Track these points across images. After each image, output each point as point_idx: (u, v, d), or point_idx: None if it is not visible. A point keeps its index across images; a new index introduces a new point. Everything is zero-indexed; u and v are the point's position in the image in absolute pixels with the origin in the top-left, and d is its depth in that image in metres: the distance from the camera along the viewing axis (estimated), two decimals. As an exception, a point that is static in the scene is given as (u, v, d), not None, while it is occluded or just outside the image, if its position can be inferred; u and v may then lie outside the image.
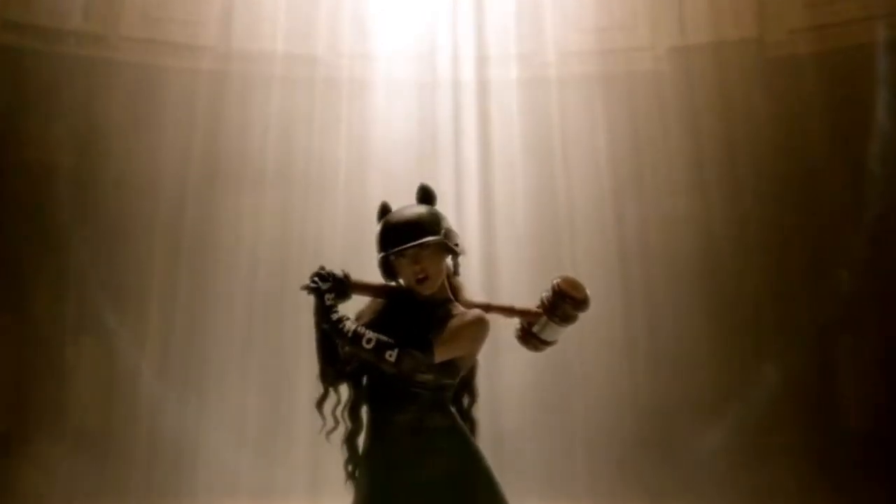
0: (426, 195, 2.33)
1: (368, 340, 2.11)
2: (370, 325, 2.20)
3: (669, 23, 4.48)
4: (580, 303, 2.25)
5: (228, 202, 4.34)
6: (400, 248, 2.21)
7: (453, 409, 2.23)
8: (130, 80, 4.32)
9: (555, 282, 2.29)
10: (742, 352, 4.08)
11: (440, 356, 2.13)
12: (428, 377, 2.15)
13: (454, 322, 2.19)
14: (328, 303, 2.18)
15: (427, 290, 2.23)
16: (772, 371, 4.04)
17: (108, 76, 4.30)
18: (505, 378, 3.73)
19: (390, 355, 2.11)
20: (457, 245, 2.26)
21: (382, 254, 2.25)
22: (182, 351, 4.12)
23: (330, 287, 2.20)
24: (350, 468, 2.25)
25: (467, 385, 2.30)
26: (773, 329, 4.10)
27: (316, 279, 2.19)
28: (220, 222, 4.31)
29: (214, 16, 4.48)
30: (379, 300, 2.31)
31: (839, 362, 4.11)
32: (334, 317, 2.17)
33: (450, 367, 2.17)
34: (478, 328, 2.21)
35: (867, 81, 4.13)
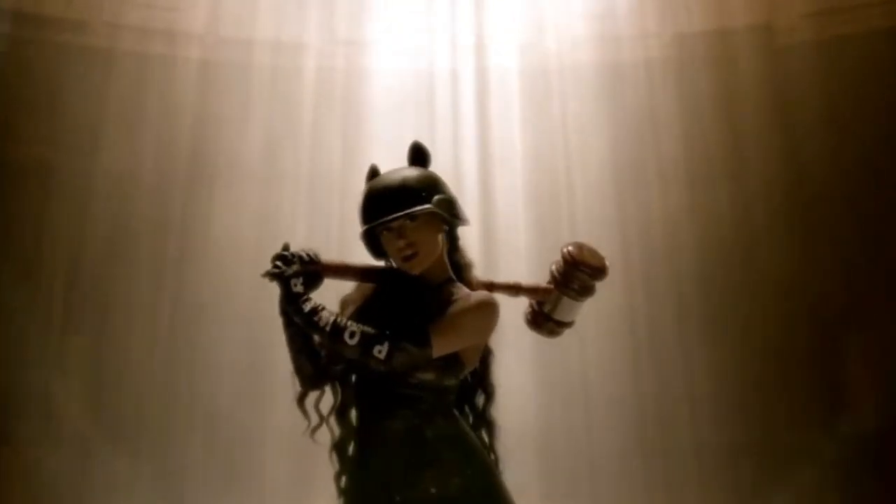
0: (418, 155, 2.04)
1: (352, 334, 1.81)
2: (359, 314, 1.94)
3: (676, 8, 4.44)
4: (598, 270, 2.02)
5: (217, 197, 4.31)
6: (381, 220, 1.92)
7: (458, 414, 1.99)
8: (114, 68, 4.31)
9: (566, 250, 2.04)
10: (745, 350, 4.07)
11: (439, 349, 1.86)
12: (428, 376, 1.89)
13: (455, 307, 1.91)
14: (296, 290, 1.86)
15: (415, 268, 1.95)
16: (776, 367, 4.03)
17: (90, 64, 4.27)
18: (505, 378, 3.68)
19: (379, 351, 1.80)
20: (454, 215, 1.99)
21: (364, 227, 1.98)
22: (172, 353, 4.12)
23: (297, 271, 1.88)
24: (342, 482, 2.00)
25: (482, 380, 2.05)
26: (776, 324, 4.10)
27: (279, 263, 1.89)
28: (208, 218, 4.28)
29: (203, 1, 4.43)
30: (367, 284, 2.03)
31: (848, 358, 4.08)
32: (306, 307, 1.85)
33: (453, 363, 1.91)
34: (483, 313, 1.92)
35: (883, 68, 4.09)
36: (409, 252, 1.95)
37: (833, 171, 4.12)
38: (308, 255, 1.94)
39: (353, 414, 2.02)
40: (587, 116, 4.35)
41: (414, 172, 2.00)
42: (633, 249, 4.24)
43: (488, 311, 1.94)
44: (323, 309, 1.87)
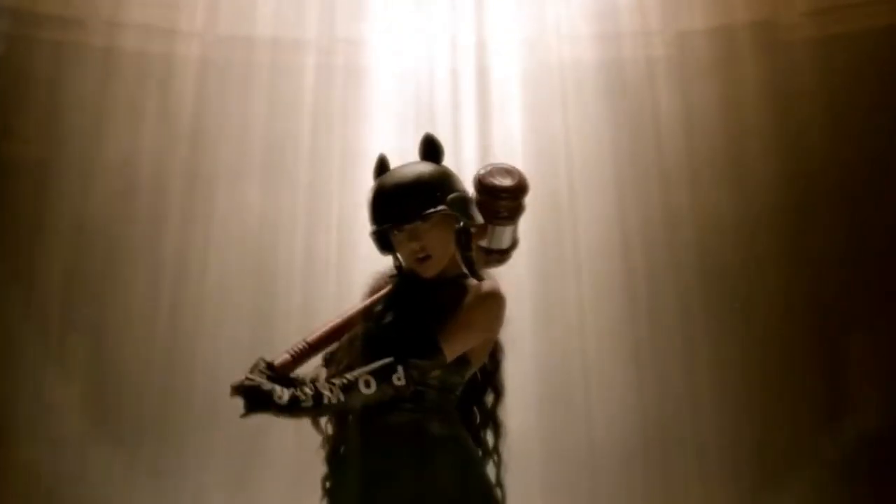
0: (431, 149, 1.95)
1: (366, 383, 1.72)
2: (374, 322, 1.87)
3: (677, 6, 4.44)
4: (518, 189, 1.97)
5: (216, 195, 4.30)
6: (393, 224, 1.86)
7: (458, 417, 1.94)
8: (112, 66, 4.29)
9: (478, 175, 1.96)
10: (747, 350, 4.06)
11: (452, 352, 1.81)
12: (433, 371, 1.83)
13: (463, 306, 1.85)
14: (283, 402, 1.71)
15: (429, 271, 1.89)
16: (778, 367, 4.02)
17: (88, 62, 4.26)
18: (506, 380, 3.68)
19: (398, 378, 1.73)
20: (469, 213, 1.91)
21: (374, 229, 1.91)
22: (171, 352, 4.10)
23: (270, 389, 1.72)
24: (329, 484, 1.95)
25: (492, 378, 2.01)
26: (779, 324, 4.09)
27: (245, 395, 1.73)
28: (207, 217, 4.27)
29: (202, -1, 4.43)
30: (380, 291, 1.95)
31: (851, 358, 4.07)
32: (307, 403, 1.71)
33: (458, 361, 1.86)
34: (488, 305, 1.87)
35: (886, 66, 4.08)
36: (422, 255, 1.89)
37: (835, 169, 4.11)
38: (261, 370, 1.83)
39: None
40: (588, 114, 4.35)
41: (427, 169, 1.92)
42: (635, 248, 4.23)
43: (494, 304, 1.90)
44: (321, 388, 1.75)
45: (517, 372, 3.77)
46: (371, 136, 4.22)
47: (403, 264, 1.96)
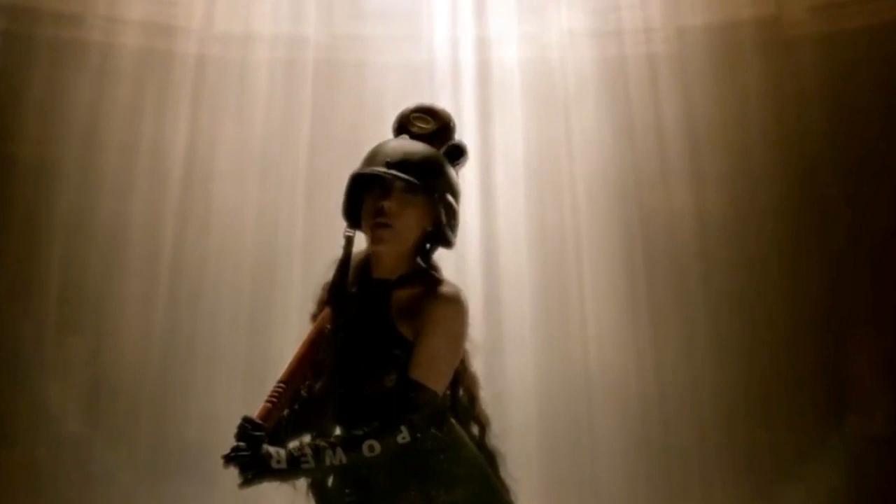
0: (454, 154, 1.93)
1: (370, 447, 1.63)
2: (336, 338, 1.78)
3: (680, 1, 4.41)
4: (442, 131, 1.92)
5: (214, 194, 4.29)
6: (383, 171, 1.76)
7: (455, 422, 1.84)
8: (109, 63, 4.27)
9: (400, 120, 1.93)
10: (751, 349, 4.05)
11: (442, 385, 1.72)
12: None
13: (426, 329, 1.72)
14: (283, 466, 1.63)
15: (383, 241, 1.80)
16: (783, 366, 4.00)
17: (85, 59, 4.24)
18: (508, 377, 3.67)
19: (402, 437, 1.65)
20: (450, 225, 1.84)
21: (358, 171, 1.85)
22: (169, 352, 4.10)
23: (265, 452, 1.62)
24: None
25: (472, 412, 1.88)
26: (783, 323, 4.07)
27: (238, 468, 1.64)
28: (206, 216, 4.26)
29: (200, -5, 4.42)
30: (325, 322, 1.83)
31: (856, 357, 4.06)
32: (308, 465, 1.64)
33: None
34: (455, 319, 1.75)
35: (892, 62, 4.06)
36: (384, 219, 1.81)
37: (841, 167, 4.09)
38: (247, 433, 1.68)
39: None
40: (589, 111, 4.33)
41: (442, 160, 1.89)
42: (636, 246, 4.22)
43: (458, 315, 1.80)
44: (323, 449, 1.67)
45: (518, 372, 3.78)
46: (371, 133, 4.19)
47: (363, 227, 1.90)
